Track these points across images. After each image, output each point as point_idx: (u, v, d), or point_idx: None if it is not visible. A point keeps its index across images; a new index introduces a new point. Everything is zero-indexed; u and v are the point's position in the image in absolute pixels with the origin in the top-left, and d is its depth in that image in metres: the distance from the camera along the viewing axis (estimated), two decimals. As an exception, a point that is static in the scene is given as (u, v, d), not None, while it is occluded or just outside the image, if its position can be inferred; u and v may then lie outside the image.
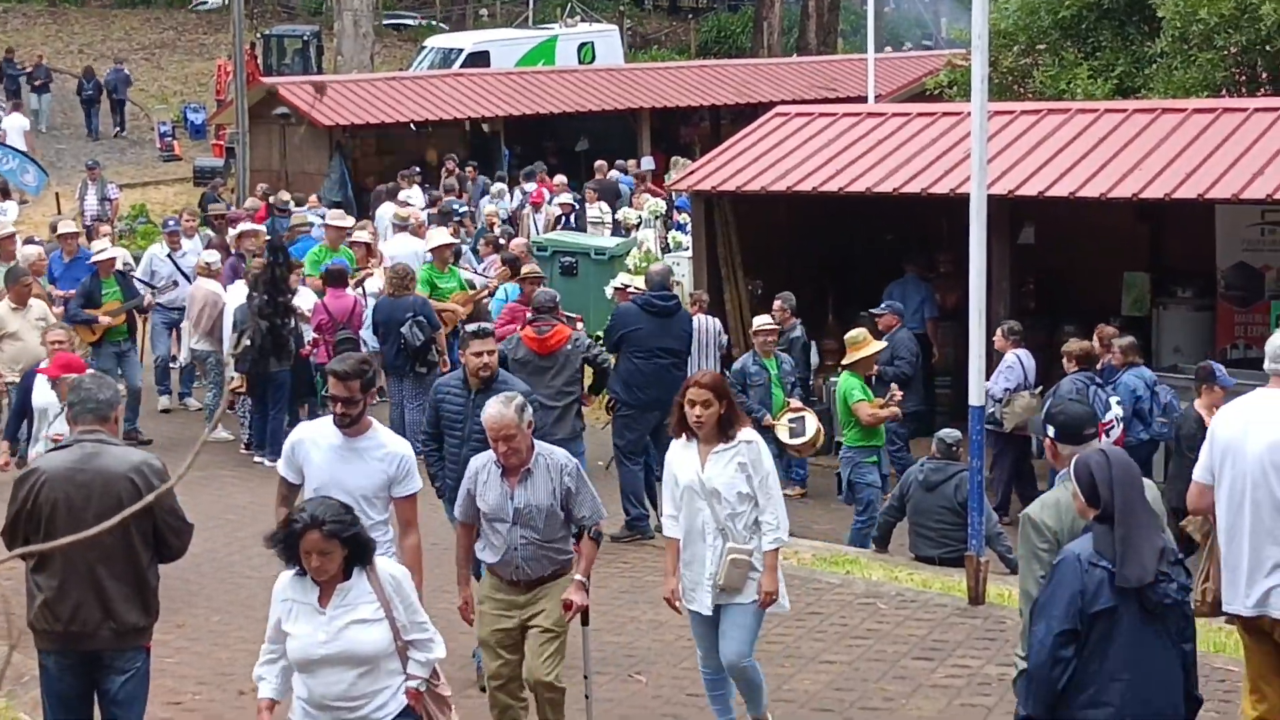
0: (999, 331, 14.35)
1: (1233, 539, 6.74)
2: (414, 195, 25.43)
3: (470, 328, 10.13)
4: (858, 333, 13.87)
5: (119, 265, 17.06)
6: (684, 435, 7.87)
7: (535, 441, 7.92)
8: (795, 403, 14.31)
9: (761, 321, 14.71)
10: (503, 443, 7.70)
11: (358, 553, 6.38)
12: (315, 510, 6.33)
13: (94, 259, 16.63)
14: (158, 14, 49.10)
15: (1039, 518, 6.21)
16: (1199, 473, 6.96)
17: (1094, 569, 5.68)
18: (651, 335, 12.93)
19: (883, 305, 15.52)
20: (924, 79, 25.40)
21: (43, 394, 11.75)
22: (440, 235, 17.65)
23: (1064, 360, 13.25)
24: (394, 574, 6.52)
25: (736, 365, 14.50)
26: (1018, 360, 14.34)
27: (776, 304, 15.67)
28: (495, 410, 7.74)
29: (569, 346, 12.44)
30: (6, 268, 16.03)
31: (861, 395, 13.28)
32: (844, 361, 13.74)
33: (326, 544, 6.27)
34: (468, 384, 9.55)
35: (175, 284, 17.79)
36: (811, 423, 13.94)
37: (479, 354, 9.41)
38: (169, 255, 18.61)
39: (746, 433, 7.92)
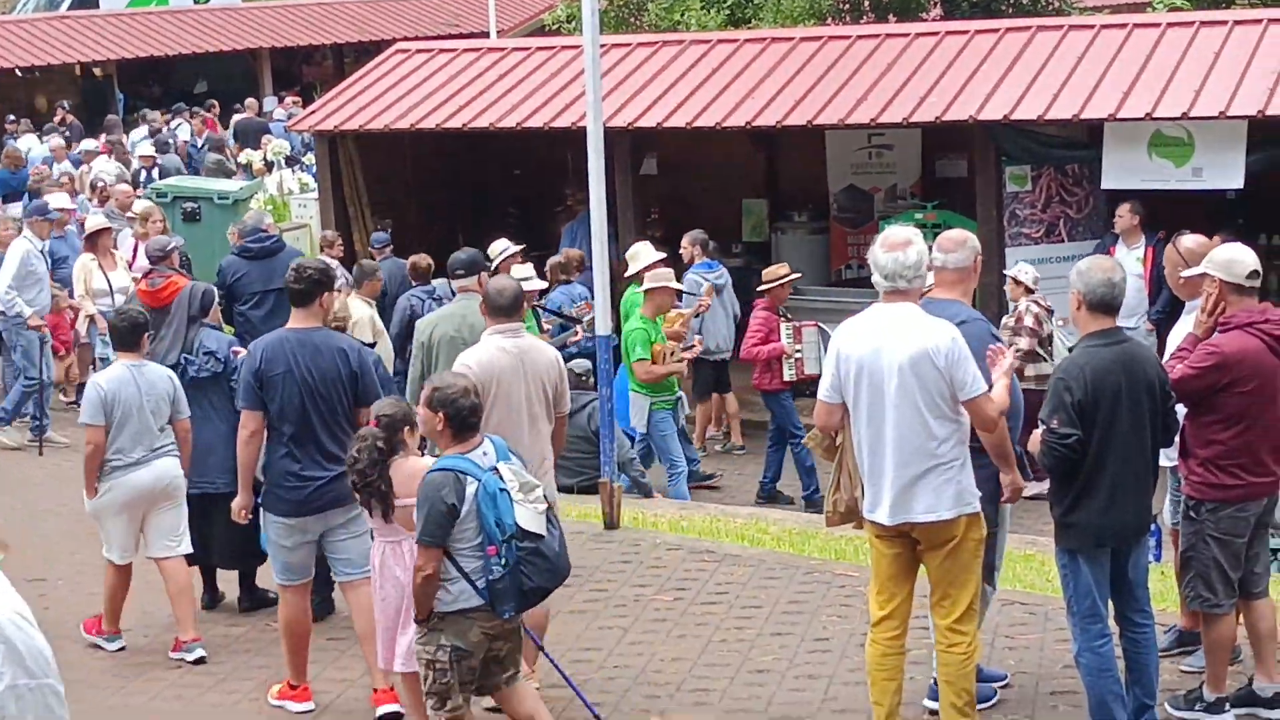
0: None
1: (876, 453, 6.78)
2: (29, 142, 24.38)
3: None
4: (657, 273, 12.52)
5: None
6: None
7: None
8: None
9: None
10: None
11: None
12: None
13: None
14: None
15: None
16: (824, 392, 6.95)
17: None
18: (258, 279, 12.77)
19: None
20: (543, 14, 25.50)
21: None
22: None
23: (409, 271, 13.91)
24: None
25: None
26: None
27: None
28: None
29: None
30: None
31: (644, 352, 12.23)
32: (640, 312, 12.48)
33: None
34: None
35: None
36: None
37: None
38: None
39: None
